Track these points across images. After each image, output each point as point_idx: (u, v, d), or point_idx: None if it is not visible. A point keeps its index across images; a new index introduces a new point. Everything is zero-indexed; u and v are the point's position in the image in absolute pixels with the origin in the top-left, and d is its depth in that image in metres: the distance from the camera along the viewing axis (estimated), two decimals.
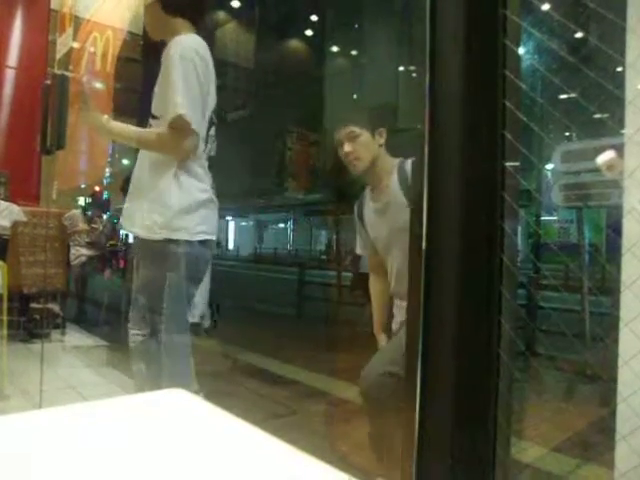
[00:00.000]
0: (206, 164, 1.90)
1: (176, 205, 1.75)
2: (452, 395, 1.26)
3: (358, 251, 2.07)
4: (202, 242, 1.79)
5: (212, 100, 1.88)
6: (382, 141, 1.87)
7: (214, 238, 1.86)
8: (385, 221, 1.89)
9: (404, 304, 1.74)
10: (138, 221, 1.79)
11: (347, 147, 1.86)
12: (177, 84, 1.71)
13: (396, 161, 1.88)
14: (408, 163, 1.81)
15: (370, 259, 2.07)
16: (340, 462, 1.72)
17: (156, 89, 1.86)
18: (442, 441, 1.22)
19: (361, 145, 1.85)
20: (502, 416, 1.19)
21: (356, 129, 1.85)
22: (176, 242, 1.73)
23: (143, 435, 0.57)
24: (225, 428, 0.60)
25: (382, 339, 2.01)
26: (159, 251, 1.74)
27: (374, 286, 2.05)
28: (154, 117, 1.87)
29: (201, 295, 2.91)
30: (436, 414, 1.24)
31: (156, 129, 1.80)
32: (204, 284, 2.88)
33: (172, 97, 1.71)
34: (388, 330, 2.01)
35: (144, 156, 1.87)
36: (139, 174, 1.87)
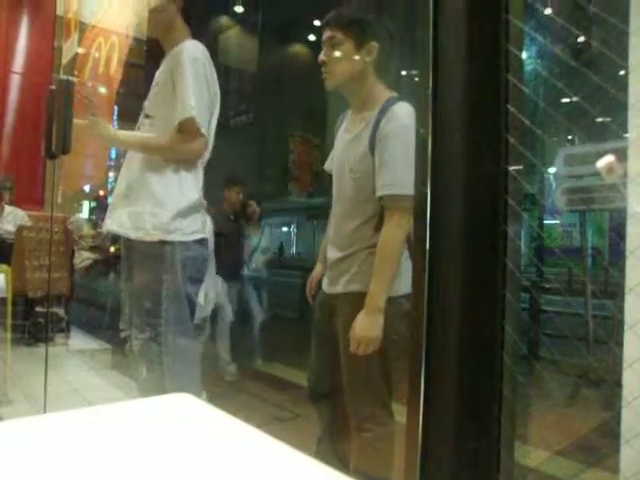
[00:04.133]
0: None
1: (174, 206, 1.73)
2: (456, 399, 1.26)
3: (326, 166, 1.79)
4: (198, 241, 1.78)
5: (217, 105, 1.89)
6: (369, 58, 1.53)
7: (208, 237, 1.84)
8: (345, 156, 1.62)
9: (335, 254, 1.62)
10: (129, 222, 1.75)
11: (322, 54, 1.55)
12: (189, 87, 1.70)
13: (386, 96, 1.54)
14: (398, 106, 1.49)
15: None
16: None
17: (155, 89, 1.84)
18: (446, 446, 1.22)
19: (340, 56, 1.52)
20: (506, 420, 1.19)
21: (339, 35, 1.51)
22: (171, 244, 1.71)
23: (149, 440, 0.57)
24: (232, 433, 0.60)
25: (318, 268, 1.81)
26: (154, 253, 1.71)
27: None
28: (147, 116, 1.84)
29: (209, 297, 2.90)
30: (440, 418, 1.24)
31: (162, 135, 1.78)
32: (213, 287, 2.88)
33: (184, 99, 1.70)
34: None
35: (135, 157, 1.85)
36: (129, 175, 1.84)
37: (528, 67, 1.34)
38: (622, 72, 1.11)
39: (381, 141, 1.47)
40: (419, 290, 1.43)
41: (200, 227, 1.80)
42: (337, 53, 1.52)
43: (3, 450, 0.52)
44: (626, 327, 1.09)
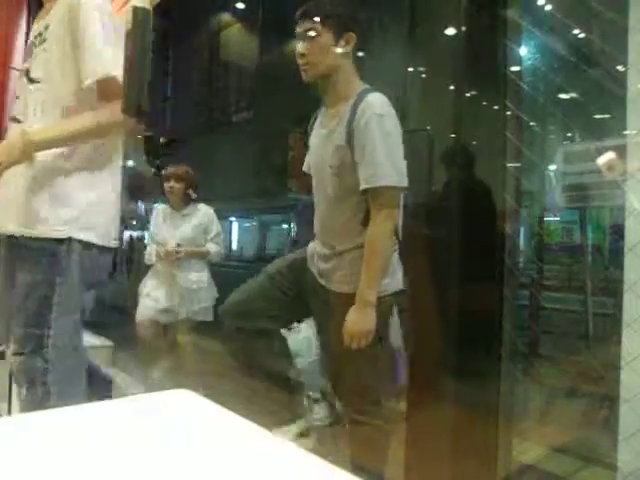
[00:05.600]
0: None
1: (83, 201, 1.41)
2: (454, 395, 1.26)
3: (304, 168, 1.74)
4: (109, 247, 1.50)
5: None
6: (348, 49, 1.52)
7: (115, 243, 1.53)
8: (321, 152, 1.58)
9: (325, 251, 1.57)
10: (19, 219, 1.41)
11: (300, 47, 1.53)
12: (101, 40, 1.38)
13: (360, 87, 1.52)
14: (372, 97, 1.46)
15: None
16: None
17: (41, 46, 1.47)
18: (444, 440, 1.22)
19: (318, 47, 1.51)
20: (504, 416, 1.19)
21: (317, 26, 1.51)
22: (75, 243, 1.39)
23: (149, 436, 0.57)
24: (233, 429, 0.60)
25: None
26: (49, 252, 1.39)
27: None
28: (32, 81, 1.46)
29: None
30: (438, 414, 1.24)
31: (90, 112, 1.39)
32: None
33: (96, 54, 1.37)
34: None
35: None
36: (17, 171, 1.42)
37: (527, 63, 1.34)
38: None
39: (358, 132, 1.45)
40: (419, 286, 1.43)
41: (115, 232, 1.51)
42: (316, 44, 1.51)
43: (5, 445, 0.52)
44: (624, 324, 1.08)
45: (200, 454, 0.52)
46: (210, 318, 2.72)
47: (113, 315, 4.49)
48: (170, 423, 0.60)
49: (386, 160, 1.41)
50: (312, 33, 1.50)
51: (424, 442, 1.40)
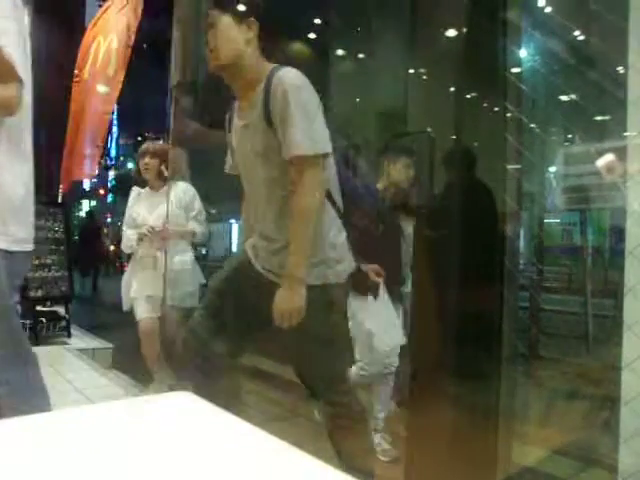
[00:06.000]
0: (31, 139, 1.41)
1: None
2: (454, 397, 1.26)
3: (226, 169, 1.70)
4: (26, 252, 1.39)
5: (29, 48, 1.37)
6: (251, 35, 1.49)
7: (31, 247, 1.40)
8: (245, 144, 1.53)
9: (267, 245, 1.51)
10: None
11: (206, 37, 1.49)
12: None
13: (269, 68, 1.47)
14: (282, 71, 1.43)
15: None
16: None
17: None
18: (443, 442, 1.21)
19: (218, 34, 1.47)
20: (504, 418, 1.19)
21: (217, 13, 1.47)
22: None
23: (150, 438, 0.57)
24: (232, 431, 0.60)
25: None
26: None
27: None
28: None
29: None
30: (438, 416, 1.24)
31: None
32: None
33: None
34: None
35: None
36: None
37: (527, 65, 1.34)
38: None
39: (274, 109, 1.41)
40: (419, 287, 1.43)
41: (29, 233, 1.39)
42: (216, 32, 1.48)
43: (4, 448, 0.52)
44: (625, 327, 1.08)
45: (200, 456, 0.52)
46: (195, 304, 2.58)
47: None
48: (170, 425, 0.60)
49: (304, 128, 1.36)
50: (213, 21, 1.46)
51: (424, 444, 1.40)
